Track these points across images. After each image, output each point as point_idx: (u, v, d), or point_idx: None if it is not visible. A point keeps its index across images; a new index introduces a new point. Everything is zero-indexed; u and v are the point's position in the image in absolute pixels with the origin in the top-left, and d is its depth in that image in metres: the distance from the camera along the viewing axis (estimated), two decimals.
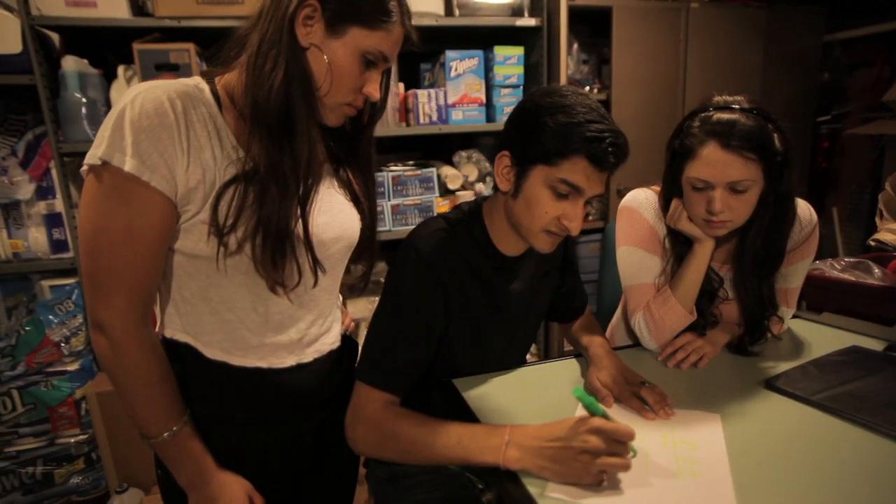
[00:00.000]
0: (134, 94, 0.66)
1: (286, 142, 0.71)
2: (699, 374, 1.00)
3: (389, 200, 2.09)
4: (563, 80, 2.12)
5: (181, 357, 0.77)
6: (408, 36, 0.77)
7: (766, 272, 1.03)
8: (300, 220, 0.74)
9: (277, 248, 0.71)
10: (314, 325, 0.84)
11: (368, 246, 0.91)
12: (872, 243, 1.06)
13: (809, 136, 2.74)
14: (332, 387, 0.90)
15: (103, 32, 1.76)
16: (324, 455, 0.92)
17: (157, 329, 0.79)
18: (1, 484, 1.81)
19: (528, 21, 2.07)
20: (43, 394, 1.79)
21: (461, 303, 0.92)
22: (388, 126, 2.05)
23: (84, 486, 1.90)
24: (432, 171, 2.13)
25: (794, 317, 1.22)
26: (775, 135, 0.92)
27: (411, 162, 2.19)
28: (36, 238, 1.78)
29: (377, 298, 0.95)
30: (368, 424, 0.84)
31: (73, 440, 1.86)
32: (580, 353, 1.09)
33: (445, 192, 2.15)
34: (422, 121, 2.07)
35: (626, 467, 0.68)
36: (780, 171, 0.94)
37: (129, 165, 0.64)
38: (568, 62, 2.39)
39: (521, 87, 2.15)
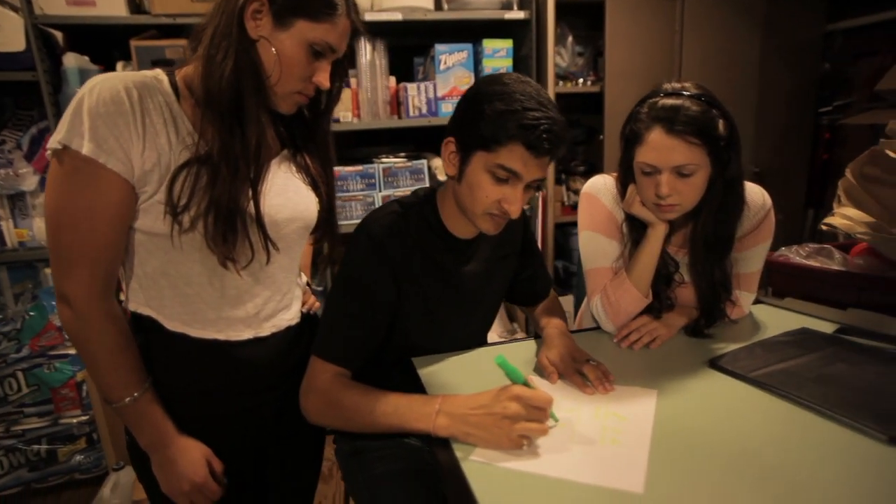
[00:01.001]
0: (92, 84, 0.71)
1: (237, 127, 0.75)
2: (651, 355, 1.02)
3: (381, 192, 2.14)
4: (550, 72, 2.14)
5: (145, 329, 0.83)
6: (355, 28, 0.82)
7: (718, 256, 1.04)
8: (252, 201, 0.79)
9: (228, 226, 0.76)
10: (271, 300, 0.88)
11: (327, 227, 0.96)
12: (824, 227, 1.07)
13: (810, 128, 2.71)
14: (292, 361, 0.94)
15: (103, 30, 1.84)
16: (286, 425, 0.97)
17: (124, 303, 0.84)
18: (9, 461, 1.91)
19: (516, 14, 2.09)
20: (46, 376, 1.89)
21: (413, 282, 0.96)
22: (380, 119, 2.09)
23: (86, 465, 1.99)
24: (422, 163, 2.17)
25: (758, 302, 1.23)
26: (720, 120, 0.94)
27: (402, 154, 2.23)
28: (40, 227, 1.87)
29: None
30: (317, 394, 0.89)
31: (75, 420, 1.95)
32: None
33: (436, 183, 2.19)
34: (412, 113, 2.11)
35: (543, 432, 0.72)
36: (725, 156, 0.95)
37: (86, 149, 0.69)
38: (562, 54, 2.41)
39: None
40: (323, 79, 0.80)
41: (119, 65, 1.82)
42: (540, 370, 0.97)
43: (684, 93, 0.95)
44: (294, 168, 0.90)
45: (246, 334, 0.86)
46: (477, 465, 0.70)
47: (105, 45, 1.94)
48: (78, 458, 1.97)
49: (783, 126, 2.63)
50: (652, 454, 0.70)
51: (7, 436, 1.89)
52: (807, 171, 2.74)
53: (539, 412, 0.73)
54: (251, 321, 0.86)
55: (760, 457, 0.69)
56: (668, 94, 0.96)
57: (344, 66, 0.86)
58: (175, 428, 0.83)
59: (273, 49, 0.75)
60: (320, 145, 0.93)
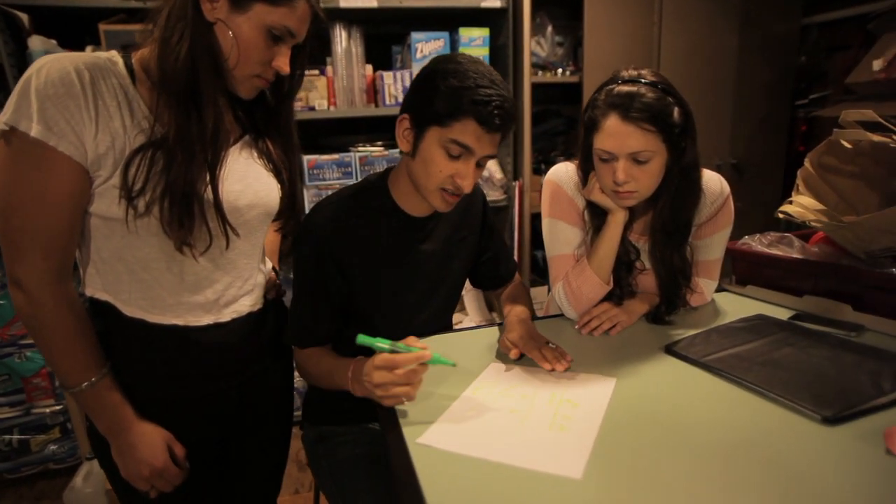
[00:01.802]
0: (41, 65, 0.69)
1: (193, 110, 0.74)
2: (611, 341, 1.04)
3: (357, 180, 2.13)
4: (527, 62, 2.13)
5: (103, 314, 0.82)
6: (315, 13, 0.80)
7: (676, 243, 1.06)
8: (209, 185, 0.78)
9: (184, 211, 0.75)
10: (232, 286, 0.88)
11: (289, 213, 0.96)
12: (780, 215, 1.08)
13: (787, 120, 2.74)
14: (255, 347, 0.94)
15: (71, 12, 1.80)
16: (250, 411, 0.97)
17: (80, 288, 0.83)
18: None
19: (493, 3, 2.08)
20: (17, 365, 1.87)
21: (364, 269, 0.97)
22: (356, 107, 2.08)
23: (60, 455, 1.97)
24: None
25: (721, 290, 1.25)
26: (675, 108, 0.95)
27: (379, 142, 2.22)
28: None
29: None
30: (300, 370, 1.03)
31: (48, 410, 1.93)
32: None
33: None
34: (388, 102, 2.10)
35: (409, 396, 0.79)
36: (681, 143, 0.96)
37: (35, 131, 0.68)
38: (541, 44, 2.41)
39: None
40: (282, 63, 0.79)
41: (88, 49, 1.79)
42: (502, 355, 0.98)
43: (641, 80, 0.96)
44: (255, 154, 0.89)
45: (206, 320, 0.85)
46: (422, 447, 0.71)
47: (73, 28, 1.90)
48: (52, 447, 1.96)
49: (760, 118, 2.66)
50: (599, 440, 0.71)
51: None
52: (784, 162, 2.77)
53: (411, 373, 0.78)
54: (211, 307, 0.86)
55: (702, 438, 0.70)
56: (626, 82, 0.96)
57: (305, 51, 0.86)
58: (134, 413, 0.82)
59: (230, 32, 0.74)
60: (283, 131, 0.92)
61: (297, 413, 1.15)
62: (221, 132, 0.78)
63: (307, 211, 1.01)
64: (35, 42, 1.73)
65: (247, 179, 0.86)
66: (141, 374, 0.84)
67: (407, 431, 0.74)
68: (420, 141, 0.89)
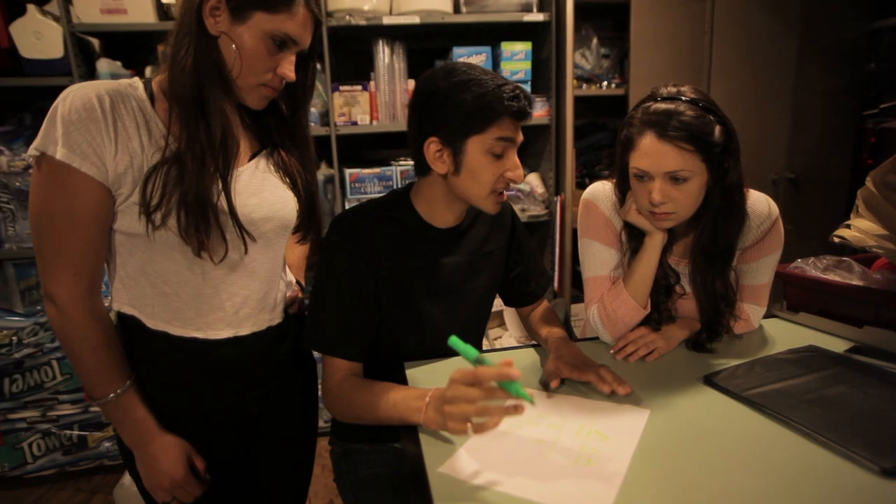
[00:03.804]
0: (67, 93, 0.74)
1: (201, 119, 0.78)
2: (647, 368, 0.99)
3: None
4: (569, 75, 2.10)
5: (129, 328, 0.85)
6: (316, 19, 0.82)
7: (719, 267, 1.00)
8: (222, 193, 0.80)
9: (200, 217, 0.77)
10: (250, 299, 0.89)
11: (307, 225, 0.97)
12: (836, 240, 1.00)
13: (853, 132, 2.56)
14: (274, 362, 0.95)
15: (134, 36, 1.93)
16: (273, 426, 0.98)
17: (109, 303, 0.86)
18: (45, 444, 2.03)
19: (536, 16, 2.07)
20: None
21: (390, 276, 0.96)
22: (398, 121, 2.11)
23: (114, 452, 2.08)
24: None
25: (771, 315, 1.17)
26: (716, 126, 0.90)
27: None
28: None
29: None
30: (332, 395, 0.93)
31: None
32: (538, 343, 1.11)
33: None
34: None
35: (470, 413, 0.69)
36: (723, 163, 0.92)
37: (59, 154, 0.72)
38: (586, 56, 2.37)
39: (529, 82, 2.16)
40: (287, 70, 0.81)
41: (148, 69, 1.90)
42: (533, 381, 0.96)
43: (681, 97, 0.92)
44: (272, 167, 0.91)
45: (225, 333, 0.87)
46: (444, 476, 0.70)
47: (137, 50, 2.03)
48: (106, 444, 2.07)
49: (822, 129, 2.50)
50: (628, 478, 0.67)
51: (43, 420, 2.00)
52: (848, 177, 2.59)
53: (496, 391, 0.69)
54: (230, 319, 0.87)
55: (741, 482, 0.66)
56: (664, 99, 0.93)
57: (312, 59, 0.88)
58: (157, 425, 0.84)
59: (233, 45, 0.77)
60: (299, 142, 0.94)
61: (325, 424, 1.15)
62: (230, 140, 0.81)
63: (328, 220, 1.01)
64: (102, 65, 1.86)
65: (262, 193, 0.87)
66: (163, 386, 0.87)
67: (428, 458, 0.73)
68: (461, 155, 0.89)
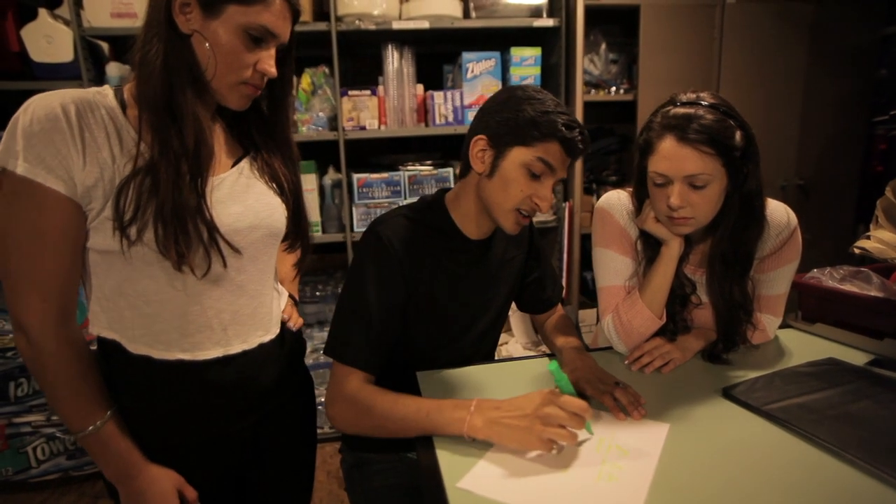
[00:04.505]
0: (28, 104, 0.69)
1: (172, 125, 0.72)
2: (663, 380, 0.97)
3: (406, 199, 2.15)
4: (579, 80, 2.09)
5: (109, 353, 0.79)
6: (294, 9, 0.77)
7: (737, 275, 0.99)
8: (199, 202, 0.74)
9: (179, 230, 0.72)
10: (239, 315, 0.83)
11: (296, 232, 0.91)
12: (856, 251, 0.99)
13: (862, 138, 2.55)
14: (268, 381, 0.88)
15: None
16: (269, 451, 0.93)
17: (88, 327, 0.80)
18: (49, 448, 2.02)
19: (545, 22, 2.06)
20: None
21: (421, 285, 0.96)
22: (407, 126, 2.10)
23: None
24: (449, 171, 2.17)
25: (785, 326, 1.16)
26: (737, 131, 0.90)
27: (429, 162, 2.23)
28: None
29: None
30: (345, 402, 0.89)
31: None
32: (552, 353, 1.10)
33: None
34: (438, 121, 2.11)
35: (572, 439, 0.74)
36: (742, 168, 0.91)
37: (21, 169, 0.66)
38: (594, 62, 2.36)
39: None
40: (268, 66, 0.76)
41: None
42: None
43: (700, 102, 0.91)
44: (256, 172, 0.86)
45: (214, 352, 0.81)
46: (462, 492, 0.68)
47: None
48: None
49: (831, 136, 2.49)
50: (652, 495, 0.66)
51: (48, 424, 1.99)
52: (857, 184, 2.58)
53: (576, 419, 0.74)
54: (218, 338, 0.81)
55: (767, 500, 0.64)
56: (683, 104, 0.93)
57: (291, 55, 0.83)
58: (142, 457, 0.78)
59: (206, 43, 0.72)
60: (280, 142, 0.88)
61: (330, 431, 1.12)
62: (204, 145, 0.75)
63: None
64: (112, 69, 1.86)
65: (247, 201, 0.82)
66: (148, 414, 0.80)
67: (446, 473, 0.72)
68: (501, 160, 0.90)
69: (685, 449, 0.76)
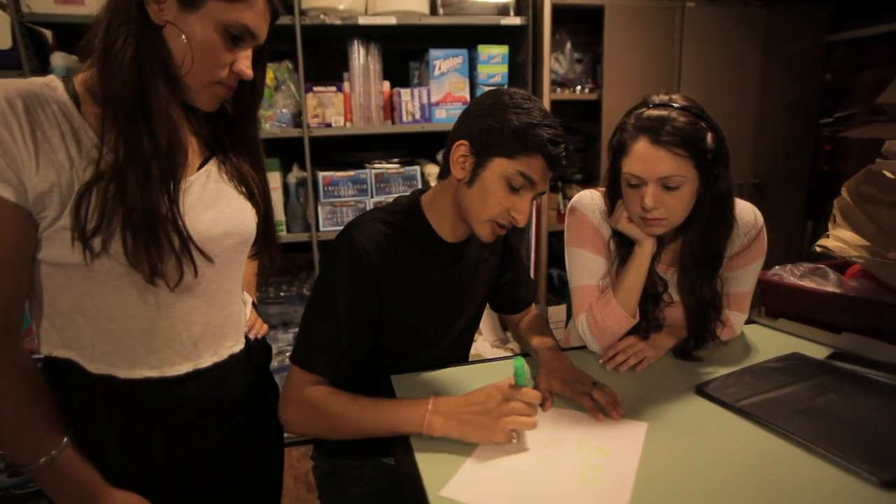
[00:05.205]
0: None
1: (142, 123, 0.65)
2: (637, 379, 0.99)
3: (372, 198, 2.11)
4: (546, 79, 2.11)
5: (63, 375, 0.71)
6: (274, 10, 0.74)
7: (707, 274, 1.01)
8: (170, 208, 0.69)
9: (151, 239, 0.66)
10: (209, 326, 0.79)
11: (266, 239, 0.87)
12: (818, 249, 1.03)
13: (811, 139, 2.68)
14: (239, 394, 0.85)
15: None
16: (239, 465, 0.89)
17: (35, 347, 0.73)
18: None
19: (513, 20, 2.06)
20: None
21: (396, 292, 0.93)
22: (373, 124, 2.07)
23: None
24: (416, 169, 2.14)
25: (751, 322, 1.20)
26: (708, 133, 0.91)
27: (395, 160, 2.20)
28: None
29: None
30: (297, 405, 0.87)
31: None
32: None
33: (423, 189, 2.16)
34: (405, 119, 2.08)
35: (532, 426, 0.78)
36: (713, 170, 0.93)
37: None
38: (560, 61, 2.38)
39: (506, 86, 2.15)
40: (244, 67, 0.71)
41: None
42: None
43: (672, 104, 0.93)
44: (225, 176, 0.80)
45: (184, 367, 0.76)
46: (447, 502, 0.67)
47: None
48: None
49: (783, 137, 2.60)
50: (636, 495, 0.66)
51: None
52: (806, 182, 2.71)
53: (532, 408, 0.79)
54: (188, 352, 0.76)
55: (745, 495, 0.66)
56: (656, 106, 0.93)
57: (264, 55, 0.78)
58: (104, 482, 0.72)
59: (182, 36, 0.66)
60: (250, 147, 0.84)
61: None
62: (177, 146, 0.69)
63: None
64: (57, 58, 1.74)
65: (218, 206, 0.77)
66: (110, 438, 0.74)
67: (427, 480, 0.70)
68: (481, 170, 0.87)
69: (664, 447, 0.76)
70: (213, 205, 0.77)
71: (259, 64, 0.77)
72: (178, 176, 0.70)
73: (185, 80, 0.70)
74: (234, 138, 0.82)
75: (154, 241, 0.66)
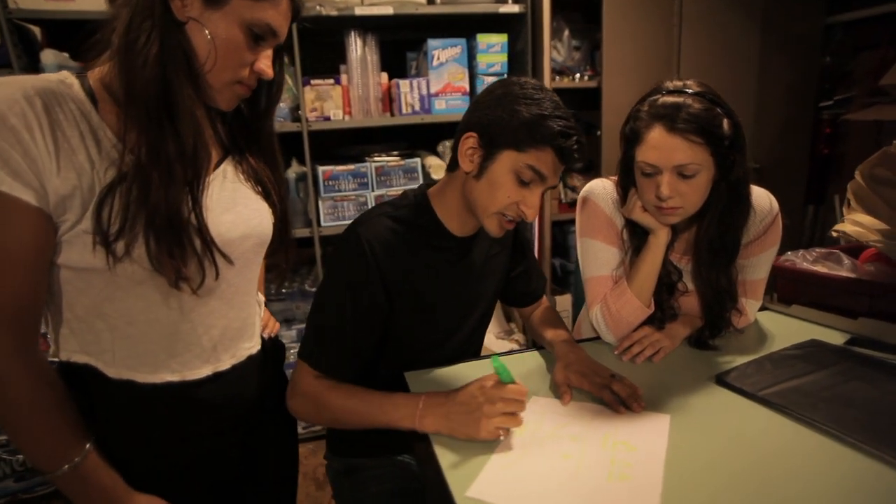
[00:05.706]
0: None
1: (167, 123, 0.64)
2: (655, 370, 0.98)
3: (373, 191, 2.09)
4: (546, 67, 2.08)
5: (82, 380, 0.71)
6: (296, 9, 0.72)
7: (723, 262, 1.00)
8: (192, 210, 0.68)
9: (174, 243, 0.65)
10: (229, 329, 0.78)
11: (282, 241, 0.86)
12: (835, 234, 1.02)
13: (811, 122, 2.67)
14: (256, 394, 0.85)
15: (83, 25, 1.76)
16: (256, 466, 0.89)
17: (51, 353, 0.72)
18: None
19: (511, 7, 2.03)
20: None
21: (405, 289, 0.92)
22: (372, 116, 2.03)
23: None
24: (416, 162, 2.12)
25: (763, 309, 1.19)
26: (724, 119, 0.90)
27: (395, 152, 2.17)
28: None
29: None
30: (303, 397, 0.89)
31: None
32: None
33: (430, 182, 2.13)
34: (404, 111, 2.05)
35: (517, 423, 0.77)
36: (729, 156, 0.91)
37: None
38: (558, 48, 2.35)
39: (505, 75, 2.12)
40: (265, 66, 0.70)
41: None
42: (544, 388, 0.92)
43: (687, 90, 0.91)
44: (242, 177, 0.79)
45: (204, 371, 0.75)
46: (473, 502, 0.65)
47: (84, 41, 1.86)
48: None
49: (783, 121, 2.59)
50: (667, 491, 0.65)
51: None
52: (807, 166, 2.70)
53: (519, 405, 0.77)
54: (209, 355, 0.76)
55: (776, 487, 0.65)
56: (670, 92, 0.92)
57: (282, 55, 0.77)
58: (127, 487, 0.72)
59: (206, 32, 0.65)
60: (265, 148, 0.82)
61: (304, 431, 1.09)
62: (201, 147, 0.68)
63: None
64: (47, 56, 1.69)
65: (236, 208, 0.76)
66: (131, 443, 0.74)
67: (452, 482, 0.69)
68: (490, 162, 0.85)
69: (689, 440, 0.75)
70: (232, 206, 0.76)
71: (277, 63, 0.75)
72: (202, 178, 0.69)
73: (206, 79, 0.68)
74: (250, 138, 0.81)
75: (178, 245, 0.65)
